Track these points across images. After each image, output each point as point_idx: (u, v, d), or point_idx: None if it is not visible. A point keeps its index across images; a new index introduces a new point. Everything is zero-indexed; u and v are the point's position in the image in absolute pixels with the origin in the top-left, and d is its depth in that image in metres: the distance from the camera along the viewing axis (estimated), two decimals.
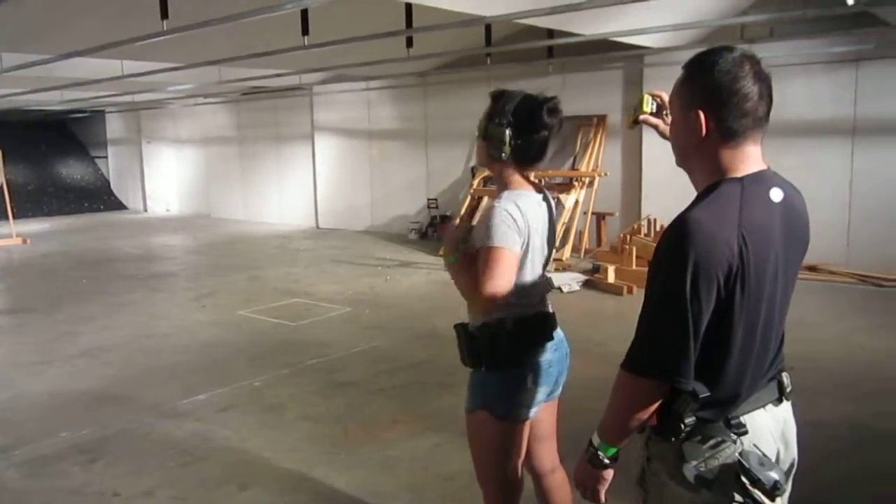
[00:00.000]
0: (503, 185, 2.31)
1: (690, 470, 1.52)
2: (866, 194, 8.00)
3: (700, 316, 1.46)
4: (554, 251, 2.49)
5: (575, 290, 7.72)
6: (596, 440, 1.64)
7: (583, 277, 8.05)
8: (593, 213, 9.73)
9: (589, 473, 1.67)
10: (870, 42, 7.48)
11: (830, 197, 8.05)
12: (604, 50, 8.53)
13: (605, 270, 7.87)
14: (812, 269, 7.96)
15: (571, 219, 9.41)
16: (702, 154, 1.57)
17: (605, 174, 9.72)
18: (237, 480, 3.62)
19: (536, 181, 2.40)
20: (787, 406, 1.68)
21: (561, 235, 8.98)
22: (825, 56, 7.96)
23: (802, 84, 8.16)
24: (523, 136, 2.24)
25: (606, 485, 1.69)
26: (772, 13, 6.95)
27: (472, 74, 10.14)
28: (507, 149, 2.24)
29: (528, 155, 2.28)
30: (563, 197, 9.34)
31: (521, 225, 2.18)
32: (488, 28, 7.79)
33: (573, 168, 10.05)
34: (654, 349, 1.51)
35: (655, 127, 1.88)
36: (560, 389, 2.47)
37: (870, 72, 7.85)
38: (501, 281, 2.14)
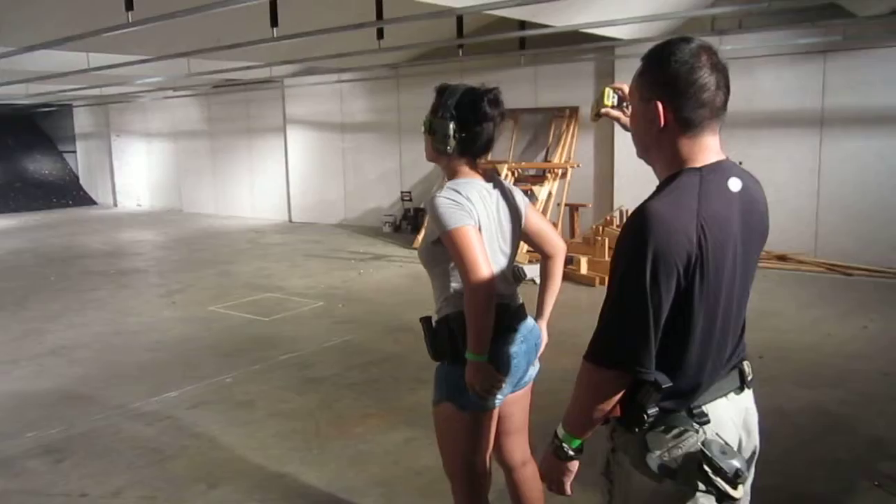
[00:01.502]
0: (451, 178, 2.33)
1: (654, 460, 1.52)
2: (834, 185, 8.11)
3: (660, 306, 1.46)
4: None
5: None
6: (561, 432, 1.64)
7: None
8: (566, 205, 9.75)
9: (554, 465, 1.67)
10: (836, 34, 7.57)
11: (799, 187, 8.17)
12: (575, 42, 8.55)
13: (578, 262, 7.91)
14: (781, 258, 8.06)
15: (545, 211, 9.42)
16: (661, 145, 1.57)
17: (578, 166, 9.76)
18: (207, 479, 3.59)
19: (496, 172, 2.40)
20: (748, 394, 1.69)
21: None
22: (793, 48, 8.05)
23: (771, 75, 8.26)
24: (467, 128, 2.25)
25: (572, 476, 1.70)
26: (739, 4, 7.00)
27: (445, 66, 10.11)
28: (451, 142, 2.26)
29: (473, 147, 2.29)
30: (535, 189, 9.35)
31: (466, 207, 2.18)
32: (460, 19, 7.77)
33: (546, 160, 10.07)
34: (616, 340, 1.51)
35: (617, 119, 1.88)
36: (529, 380, 2.47)
37: (837, 63, 7.95)
38: (481, 259, 2.13)
